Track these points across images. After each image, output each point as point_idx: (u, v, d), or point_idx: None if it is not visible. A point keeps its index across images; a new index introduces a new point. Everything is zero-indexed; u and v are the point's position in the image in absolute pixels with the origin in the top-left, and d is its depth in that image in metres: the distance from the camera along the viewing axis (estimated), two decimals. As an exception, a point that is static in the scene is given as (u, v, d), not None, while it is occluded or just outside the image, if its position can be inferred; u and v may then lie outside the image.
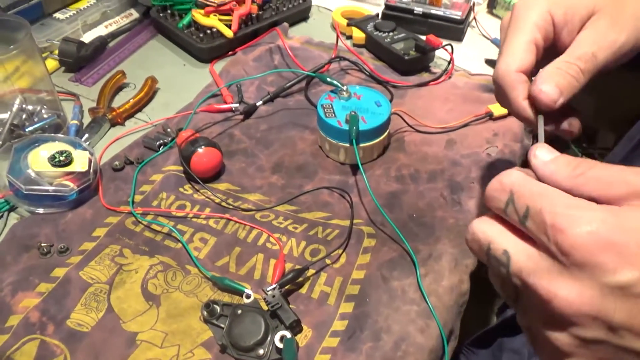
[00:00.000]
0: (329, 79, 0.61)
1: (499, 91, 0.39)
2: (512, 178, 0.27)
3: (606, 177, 0.25)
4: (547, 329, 0.26)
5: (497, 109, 0.64)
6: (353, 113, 0.56)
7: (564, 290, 0.24)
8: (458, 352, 0.67)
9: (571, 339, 0.25)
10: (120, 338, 0.43)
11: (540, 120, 0.36)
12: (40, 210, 0.52)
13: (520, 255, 0.26)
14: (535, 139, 0.65)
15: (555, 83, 0.34)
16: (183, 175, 0.57)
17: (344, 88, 0.60)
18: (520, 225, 0.26)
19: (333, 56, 0.73)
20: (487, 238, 0.27)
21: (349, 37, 0.79)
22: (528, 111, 0.37)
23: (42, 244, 0.49)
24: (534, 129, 0.39)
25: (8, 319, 0.44)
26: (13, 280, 0.47)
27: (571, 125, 0.39)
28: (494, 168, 0.58)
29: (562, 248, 0.24)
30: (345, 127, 0.56)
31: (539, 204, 0.25)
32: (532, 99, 0.36)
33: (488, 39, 0.81)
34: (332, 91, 0.61)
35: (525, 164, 0.64)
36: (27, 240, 0.50)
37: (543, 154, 0.28)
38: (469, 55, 0.77)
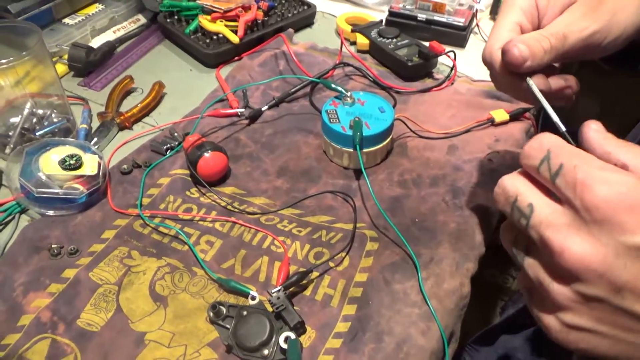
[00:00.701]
0: (333, 85, 0.62)
1: (490, 72, 0.41)
2: (552, 139, 0.28)
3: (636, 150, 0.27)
4: (551, 282, 0.27)
5: (499, 115, 0.65)
6: (357, 119, 0.57)
7: (577, 246, 0.25)
8: (461, 350, 0.68)
9: (573, 294, 0.26)
10: (129, 338, 0.44)
11: (531, 82, 0.38)
12: (51, 213, 0.53)
13: (544, 209, 0.28)
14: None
15: (527, 45, 0.36)
16: (190, 179, 0.59)
17: (348, 94, 0.61)
18: (550, 183, 0.28)
19: (337, 62, 0.74)
20: (516, 191, 0.29)
21: (353, 43, 0.81)
22: (514, 81, 0.38)
23: (53, 246, 0.50)
24: (529, 99, 0.40)
25: (20, 318, 0.45)
26: (24, 280, 0.48)
27: (567, 80, 0.41)
28: (495, 173, 0.59)
29: (586, 204, 0.25)
30: (349, 132, 0.57)
31: (573, 162, 0.26)
32: (504, 59, 0.37)
33: (490, 45, 0.81)
34: (336, 97, 0.62)
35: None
36: (38, 241, 0.51)
37: (595, 125, 0.29)
38: (471, 62, 0.78)
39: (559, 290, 0.27)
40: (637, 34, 0.39)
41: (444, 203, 0.56)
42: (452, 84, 0.72)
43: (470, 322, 0.55)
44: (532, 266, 0.29)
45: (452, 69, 0.72)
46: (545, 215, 0.27)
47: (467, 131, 0.64)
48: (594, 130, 0.29)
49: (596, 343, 0.27)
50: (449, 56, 0.72)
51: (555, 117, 0.35)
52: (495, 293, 1.12)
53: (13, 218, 0.54)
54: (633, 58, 0.42)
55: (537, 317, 0.30)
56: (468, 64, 0.77)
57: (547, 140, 0.28)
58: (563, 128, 0.34)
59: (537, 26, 0.40)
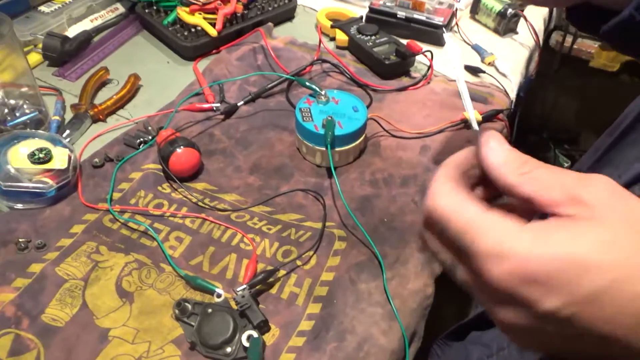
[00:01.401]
0: (307, 83, 0.62)
1: None
2: (441, 203, 0.28)
3: (546, 180, 0.26)
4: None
5: (472, 116, 0.65)
6: (329, 118, 0.58)
7: (500, 314, 0.26)
8: (430, 346, 0.69)
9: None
10: (93, 333, 0.45)
11: None
12: (19, 206, 0.53)
13: (461, 274, 0.28)
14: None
15: None
16: (162, 174, 0.58)
17: (322, 92, 0.61)
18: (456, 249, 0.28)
19: (315, 58, 0.74)
20: (435, 248, 0.29)
21: (333, 39, 0.81)
22: None
23: (20, 240, 0.50)
24: None
25: (-16, 313, 0.45)
26: (-10, 274, 0.48)
27: None
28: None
29: (489, 288, 0.26)
30: (322, 131, 0.57)
31: (464, 241, 0.26)
32: None
33: (469, 44, 0.82)
34: (310, 95, 0.62)
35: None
36: (5, 235, 0.51)
37: (495, 145, 0.28)
38: (449, 61, 0.78)
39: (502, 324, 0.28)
40: None
41: (413, 203, 0.57)
42: (429, 83, 0.72)
43: (448, 318, 0.56)
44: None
45: (428, 68, 0.73)
46: (463, 280, 0.28)
47: (441, 131, 0.65)
48: (501, 155, 0.28)
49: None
50: (425, 55, 0.72)
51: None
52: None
53: (-19, 211, 0.54)
54: (597, 19, 0.40)
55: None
56: (446, 62, 0.78)
57: (435, 207, 0.28)
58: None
59: None
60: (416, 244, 0.52)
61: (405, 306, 0.48)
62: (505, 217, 0.26)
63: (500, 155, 0.28)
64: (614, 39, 0.40)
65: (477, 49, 0.81)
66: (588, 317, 0.24)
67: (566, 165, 1.41)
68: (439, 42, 0.81)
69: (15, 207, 0.53)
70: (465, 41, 0.83)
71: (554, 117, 1.62)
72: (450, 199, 0.28)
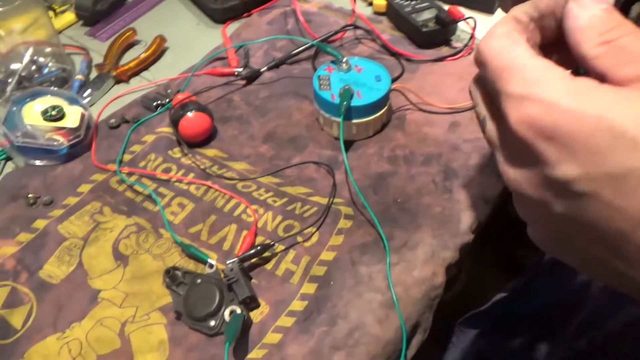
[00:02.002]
0: (329, 49, 0.58)
1: None
2: (489, 45, 0.26)
3: (629, 52, 0.22)
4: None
5: (513, 92, 0.59)
6: (347, 87, 0.54)
7: (510, 174, 0.25)
8: (451, 330, 0.65)
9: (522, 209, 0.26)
10: (85, 293, 0.44)
11: None
12: (33, 162, 0.54)
13: (489, 127, 0.27)
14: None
15: None
16: (174, 137, 0.57)
17: (344, 60, 0.57)
18: (493, 97, 0.26)
19: (348, 23, 0.69)
20: (476, 100, 0.29)
21: (370, 4, 0.75)
22: None
23: (30, 195, 0.51)
24: None
25: (-14, 264, 0.46)
26: (-4, 227, 0.49)
27: None
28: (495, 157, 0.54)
29: (505, 138, 0.24)
30: (339, 100, 0.53)
31: (500, 82, 0.24)
32: None
33: (523, 13, 0.74)
34: (332, 62, 0.58)
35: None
36: (17, 190, 0.52)
37: (588, 2, 0.24)
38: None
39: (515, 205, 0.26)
40: None
41: (432, 184, 0.52)
42: (469, 54, 0.66)
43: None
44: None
45: (470, 37, 0.66)
46: (491, 135, 0.27)
47: (475, 107, 0.59)
48: (587, 15, 0.23)
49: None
50: (467, 23, 0.65)
51: None
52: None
53: (-1, 164, 0.55)
54: None
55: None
56: (493, 32, 0.70)
57: (483, 49, 0.26)
58: None
59: None
60: (430, 227, 0.48)
61: (407, 295, 0.44)
62: (554, 65, 0.22)
63: (584, 16, 0.23)
64: None
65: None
66: (607, 202, 0.19)
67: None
68: (490, 9, 0.73)
69: (29, 162, 0.54)
70: (519, 9, 0.75)
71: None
72: (502, 41, 0.25)
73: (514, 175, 0.24)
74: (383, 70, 0.57)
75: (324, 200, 0.51)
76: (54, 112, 0.53)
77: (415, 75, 0.64)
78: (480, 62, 0.27)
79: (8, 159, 0.55)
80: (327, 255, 0.47)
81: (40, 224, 0.49)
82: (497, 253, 0.88)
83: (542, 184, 0.22)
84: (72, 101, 0.56)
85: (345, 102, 0.52)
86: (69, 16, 0.74)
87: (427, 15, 0.68)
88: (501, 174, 0.26)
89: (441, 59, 0.65)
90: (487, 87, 0.27)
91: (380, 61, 0.64)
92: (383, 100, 0.55)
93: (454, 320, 0.60)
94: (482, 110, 0.28)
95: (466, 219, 0.49)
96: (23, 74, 0.62)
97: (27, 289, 0.45)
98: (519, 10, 0.28)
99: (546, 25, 0.28)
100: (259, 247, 0.45)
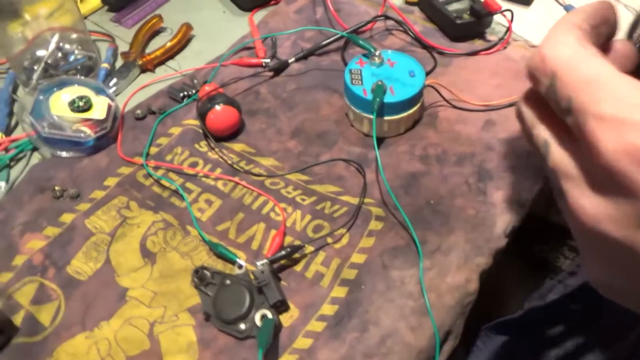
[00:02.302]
0: (361, 42, 0.56)
1: None
2: (559, 54, 0.22)
3: None
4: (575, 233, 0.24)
5: (551, 90, 0.57)
6: (380, 83, 0.52)
7: (590, 207, 0.21)
8: (474, 337, 0.64)
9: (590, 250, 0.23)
10: (113, 291, 0.44)
11: None
12: (59, 154, 0.53)
13: (557, 154, 0.24)
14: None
15: None
16: (201, 131, 0.56)
17: (376, 53, 0.55)
18: (561, 115, 0.23)
19: (379, 14, 0.67)
20: (531, 121, 0.25)
21: (402, -7, 0.73)
22: None
23: (56, 188, 0.50)
24: None
25: (14, 257, 0.46)
26: (24, 220, 0.48)
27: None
28: (532, 158, 0.52)
29: (591, 165, 0.21)
30: (370, 97, 0.52)
31: (583, 98, 0.21)
32: None
33: (562, 4, 0.71)
34: (364, 55, 0.56)
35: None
36: (43, 182, 0.52)
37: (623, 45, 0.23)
38: (535, 23, 0.68)
39: (580, 243, 0.23)
40: None
41: (466, 185, 0.50)
42: (505, 48, 0.63)
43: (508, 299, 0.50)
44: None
45: (506, 30, 0.63)
46: (559, 162, 0.23)
47: (511, 105, 0.57)
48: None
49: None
50: (504, 15, 0.63)
51: None
52: (543, 271, 1.05)
53: (25, 155, 0.54)
54: None
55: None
56: (530, 25, 0.68)
57: (552, 57, 0.22)
58: None
59: None
60: (464, 230, 0.46)
61: (441, 302, 0.43)
62: None
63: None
64: None
65: (569, 10, 0.69)
66: None
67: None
68: (527, 1, 0.70)
69: (55, 154, 0.53)
70: (556, 0, 0.72)
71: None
72: (574, 50, 0.22)
73: (594, 210, 0.21)
74: (417, 65, 0.55)
75: (353, 200, 0.50)
76: (81, 103, 0.52)
77: (448, 70, 0.62)
78: (544, 73, 0.23)
79: (34, 149, 0.55)
80: (357, 258, 0.46)
81: (67, 217, 0.49)
82: (514, 246, 0.86)
83: (636, 224, 0.20)
84: (99, 91, 0.55)
85: (378, 99, 0.50)
86: (95, 1, 0.73)
87: (460, 5, 0.66)
88: (573, 208, 0.22)
89: (475, 53, 0.63)
90: (552, 105, 0.24)
91: (411, 54, 0.62)
92: (417, 97, 0.53)
93: (473, 317, 0.59)
94: (544, 133, 0.25)
95: (500, 223, 0.48)
96: (49, 61, 0.61)
97: (55, 285, 0.44)
98: (578, 18, 0.25)
99: (600, 33, 0.26)
100: (288, 249, 0.44)
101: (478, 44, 0.65)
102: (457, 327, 0.44)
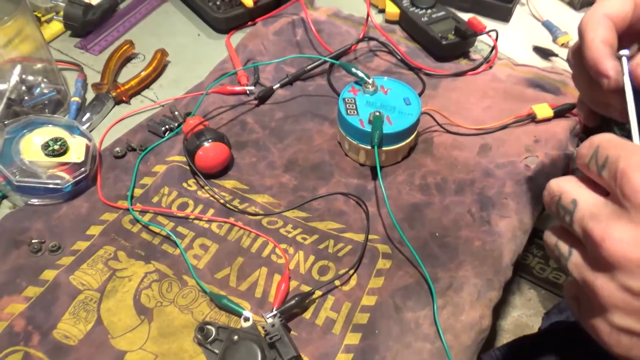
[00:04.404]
0: (353, 70, 0.54)
1: (577, 45, 0.36)
2: (603, 136, 0.28)
3: None
4: (595, 278, 0.26)
5: (542, 111, 0.57)
6: (377, 113, 0.50)
7: (617, 233, 0.25)
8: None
9: (617, 288, 0.25)
10: (108, 356, 0.40)
11: (627, 80, 0.32)
12: (34, 201, 0.49)
13: (587, 203, 0.27)
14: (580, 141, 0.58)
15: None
16: (188, 167, 0.53)
17: (370, 81, 0.53)
18: (597, 177, 0.27)
19: (361, 36, 0.65)
20: (560, 189, 0.29)
21: (382, 11, 0.71)
22: (601, 51, 0.33)
23: (33, 241, 0.46)
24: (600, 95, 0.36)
25: (-8, 325, 0.41)
26: (0, 281, 0.44)
27: None
28: (532, 182, 0.52)
29: (625, 191, 0.25)
30: (368, 128, 0.50)
31: (617, 152, 0.26)
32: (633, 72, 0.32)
33: (539, 20, 0.72)
34: (356, 82, 0.54)
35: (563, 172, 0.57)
36: (18, 234, 0.47)
37: None
38: (515, 40, 0.68)
39: (604, 286, 0.26)
40: None
41: (469, 215, 0.49)
42: (491, 67, 0.63)
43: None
44: (576, 266, 0.28)
45: (492, 50, 0.63)
46: (589, 208, 0.27)
47: (504, 127, 0.57)
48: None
49: None
50: (490, 35, 0.63)
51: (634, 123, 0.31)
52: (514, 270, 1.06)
53: (-7, 204, 0.50)
54: None
55: (586, 327, 0.29)
56: (511, 42, 0.68)
57: (598, 138, 0.28)
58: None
59: None
60: (472, 264, 0.45)
61: (458, 342, 0.42)
62: None
63: None
64: None
65: (548, 26, 0.70)
66: None
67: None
68: (505, 17, 0.71)
69: (30, 202, 0.49)
70: (534, 16, 0.72)
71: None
72: (613, 135, 0.28)
73: (621, 234, 0.24)
74: (411, 92, 0.53)
75: (357, 237, 0.48)
76: (56, 147, 0.48)
77: (438, 93, 0.61)
78: (590, 147, 0.28)
79: (4, 197, 0.50)
80: (368, 300, 0.44)
81: (49, 274, 0.44)
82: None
83: None
84: (74, 131, 0.51)
85: (378, 131, 0.48)
86: (56, 26, 0.68)
87: (444, 26, 0.65)
88: (600, 240, 0.25)
89: (462, 74, 0.62)
90: (591, 172, 0.28)
91: (398, 76, 0.61)
92: (414, 126, 0.52)
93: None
94: (567, 238, 0.29)
95: (507, 253, 0.47)
96: (12, 96, 0.56)
97: (42, 353, 0.40)
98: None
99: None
100: (297, 298, 0.42)
101: (463, 63, 0.65)
102: (473, 364, 0.43)
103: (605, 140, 0.27)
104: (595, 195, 0.28)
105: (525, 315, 1.15)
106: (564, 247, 0.29)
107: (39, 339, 0.41)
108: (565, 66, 0.63)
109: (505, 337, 1.10)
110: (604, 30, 0.33)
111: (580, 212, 0.27)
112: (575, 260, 0.28)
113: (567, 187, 0.29)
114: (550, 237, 0.31)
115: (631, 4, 0.34)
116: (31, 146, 0.48)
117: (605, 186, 0.27)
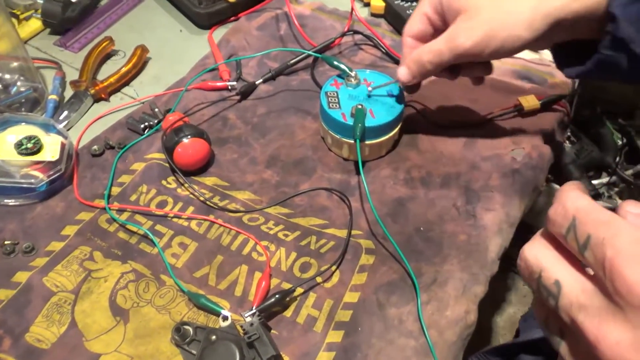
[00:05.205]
0: (335, 62, 0.53)
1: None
2: (577, 203, 0.25)
3: None
4: None
5: (528, 102, 0.56)
6: (359, 106, 0.49)
7: (613, 335, 0.22)
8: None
9: None
10: (82, 359, 0.39)
11: None
12: (9, 202, 0.47)
13: (573, 288, 0.24)
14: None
15: (408, 68, 0.46)
16: (167, 165, 0.52)
17: (352, 73, 0.52)
18: (579, 254, 0.24)
19: (346, 29, 0.64)
20: (539, 265, 0.26)
21: (367, 5, 0.70)
22: (404, 73, 0.47)
23: (6, 242, 0.45)
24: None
25: (-38, 329, 0.40)
26: (-29, 284, 0.43)
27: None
28: (518, 175, 0.51)
29: (618, 288, 0.22)
30: (351, 121, 0.49)
31: (601, 233, 0.23)
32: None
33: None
34: (339, 76, 0.53)
35: (554, 166, 0.56)
36: (-9, 236, 0.46)
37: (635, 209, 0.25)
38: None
39: None
40: (527, 46, 0.41)
41: (454, 209, 0.48)
42: (477, 60, 0.62)
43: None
44: (568, 355, 0.25)
45: (478, 42, 0.62)
46: (576, 296, 0.24)
47: (490, 120, 0.56)
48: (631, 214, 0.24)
49: None
50: (475, 27, 0.61)
51: None
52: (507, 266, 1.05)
53: (-34, 205, 0.48)
54: (578, 55, 0.41)
55: None
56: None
57: (571, 205, 0.25)
58: None
59: (443, 18, 0.44)
60: (457, 258, 0.44)
61: (442, 338, 0.41)
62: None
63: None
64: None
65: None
66: None
67: (620, 143, 1.28)
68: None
69: (3, 202, 0.47)
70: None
71: (608, 88, 1.48)
72: (589, 202, 0.25)
73: (618, 336, 0.21)
74: (394, 85, 0.52)
75: (340, 233, 0.47)
76: (30, 145, 0.47)
77: (423, 85, 0.60)
78: (565, 217, 0.24)
79: (-23, 198, 0.49)
80: (351, 297, 0.43)
81: (21, 276, 0.43)
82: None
83: None
84: (49, 129, 0.50)
85: (360, 125, 0.47)
86: (35, 24, 0.66)
87: (430, 17, 0.64)
88: (592, 339, 0.22)
89: (448, 66, 0.61)
90: (569, 245, 0.25)
91: (382, 69, 0.60)
92: (398, 119, 0.51)
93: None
94: (554, 274, 0.25)
95: (493, 247, 0.46)
96: (-12, 95, 0.54)
97: (13, 358, 0.39)
98: (580, 186, 0.26)
99: None
100: (278, 295, 0.41)
101: (449, 56, 0.63)
102: (459, 361, 0.42)
103: (583, 212, 0.24)
104: (581, 277, 0.25)
105: (521, 311, 1.14)
106: (553, 328, 0.27)
107: (11, 343, 0.40)
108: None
109: (501, 334, 1.10)
110: (407, 50, 0.47)
111: (566, 298, 0.24)
112: (569, 349, 0.26)
113: (546, 263, 0.26)
114: (538, 310, 0.28)
115: (424, 20, 0.45)
116: (4, 145, 0.47)
117: (591, 267, 0.24)
